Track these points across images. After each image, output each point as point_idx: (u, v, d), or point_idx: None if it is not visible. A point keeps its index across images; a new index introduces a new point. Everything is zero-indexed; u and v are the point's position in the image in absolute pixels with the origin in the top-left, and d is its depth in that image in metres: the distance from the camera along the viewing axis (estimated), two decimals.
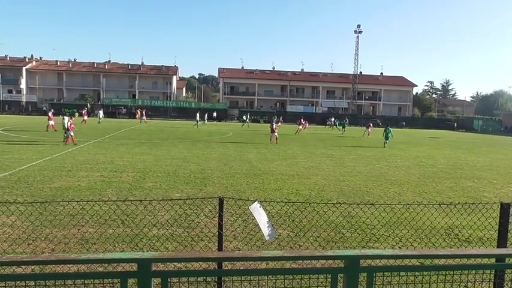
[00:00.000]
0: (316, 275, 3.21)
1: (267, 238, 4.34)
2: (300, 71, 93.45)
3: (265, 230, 4.24)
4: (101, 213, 7.48)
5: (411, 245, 7.14)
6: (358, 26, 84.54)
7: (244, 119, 61.00)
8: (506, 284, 3.36)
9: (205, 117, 57.19)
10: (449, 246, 7.21)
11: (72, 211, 7.65)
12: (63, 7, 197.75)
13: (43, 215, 7.57)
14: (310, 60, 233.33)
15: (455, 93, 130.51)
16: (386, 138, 29.40)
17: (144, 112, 57.00)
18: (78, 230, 7.00)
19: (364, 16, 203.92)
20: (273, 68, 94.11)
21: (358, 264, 2.82)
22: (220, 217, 4.78)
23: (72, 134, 22.22)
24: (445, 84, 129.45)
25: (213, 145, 24.98)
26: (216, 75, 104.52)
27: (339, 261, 2.94)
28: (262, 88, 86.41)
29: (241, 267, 4.88)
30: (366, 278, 2.84)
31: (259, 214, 4.30)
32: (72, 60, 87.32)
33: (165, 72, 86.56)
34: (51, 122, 31.69)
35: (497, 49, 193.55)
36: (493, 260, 3.85)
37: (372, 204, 5.41)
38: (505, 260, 3.62)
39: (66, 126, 22.35)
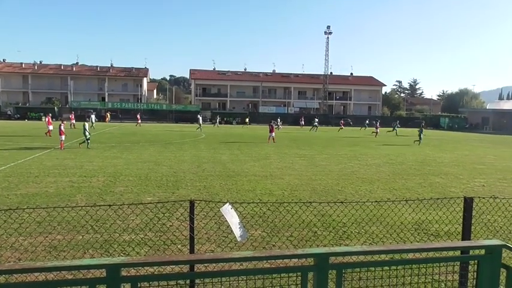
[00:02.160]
0: (287, 274, 3.25)
1: (238, 239, 4.36)
2: (271, 72, 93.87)
3: (237, 231, 4.26)
4: (69, 220, 7.31)
5: (380, 240, 7.31)
6: (328, 27, 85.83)
7: (247, 121, 61.65)
8: (471, 275, 3.50)
9: (217, 120, 59.84)
10: (417, 241, 7.43)
11: (39, 218, 7.43)
12: (27, 8, 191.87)
13: (7, 222, 7.31)
14: (281, 61, 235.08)
15: (422, 92, 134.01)
16: (420, 137, 32.68)
17: (139, 116, 56.73)
18: (46, 237, 6.80)
19: (335, 18, 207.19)
20: (245, 69, 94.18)
21: (328, 262, 2.87)
22: (191, 220, 4.77)
23: (63, 138, 22.35)
24: (412, 84, 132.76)
25: (185, 147, 24.78)
26: (188, 77, 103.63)
27: (310, 259, 2.99)
28: (234, 89, 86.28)
29: (215, 269, 4.87)
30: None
31: (231, 216, 4.31)
32: (38, 62, 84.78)
33: (135, 74, 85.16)
34: (51, 127, 30.96)
35: (462, 49, 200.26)
36: (458, 253, 4.00)
37: (342, 202, 5.52)
38: (469, 252, 3.76)
39: (88, 132, 22.97)
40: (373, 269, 3.42)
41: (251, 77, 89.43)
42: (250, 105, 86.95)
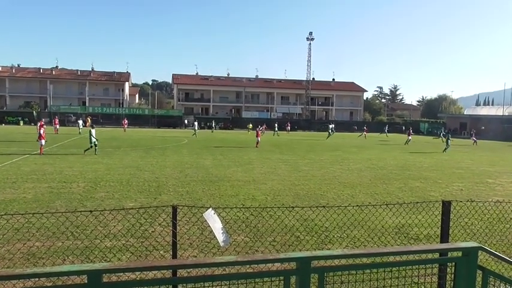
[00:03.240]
0: (270, 278, 3.27)
1: (221, 244, 4.36)
2: (254, 77, 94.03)
3: (220, 236, 4.26)
4: (48, 226, 7.17)
5: (362, 244, 7.38)
6: (310, 33, 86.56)
7: (250, 127, 59.36)
8: (449, 277, 3.59)
9: (213, 126, 61.24)
10: (398, 244, 7.53)
11: (17, 225, 7.26)
12: (3, 8, 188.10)
13: None
14: (264, 66, 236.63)
15: (402, 97, 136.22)
16: (447, 143, 32.86)
17: (125, 121, 56.24)
18: (24, 244, 6.65)
19: (317, 24, 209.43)
20: (228, 75, 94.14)
21: (310, 266, 2.90)
22: (174, 225, 4.75)
23: (43, 143, 22.02)
24: (393, 89, 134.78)
25: (167, 152, 24.61)
26: (170, 82, 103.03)
27: (293, 263, 3.01)
28: (217, 94, 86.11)
29: (198, 274, 4.85)
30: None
31: (214, 221, 4.31)
32: (16, 65, 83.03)
33: (117, 79, 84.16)
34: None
35: (440, 56, 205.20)
36: (437, 255, 4.08)
37: (324, 206, 5.57)
38: (448, 254, 3.84)
39: (94, 139, 22.42)
40: (354, 272, 3.46)
41: (234, 82, 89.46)
42: (233, 110, 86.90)
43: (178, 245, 5.41)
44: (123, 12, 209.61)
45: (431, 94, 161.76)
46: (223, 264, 3.04)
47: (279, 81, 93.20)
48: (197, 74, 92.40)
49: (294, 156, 24.37)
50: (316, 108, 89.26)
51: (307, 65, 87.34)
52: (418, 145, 40.14)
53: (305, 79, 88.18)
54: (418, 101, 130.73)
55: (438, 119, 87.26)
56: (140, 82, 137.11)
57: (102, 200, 10.67)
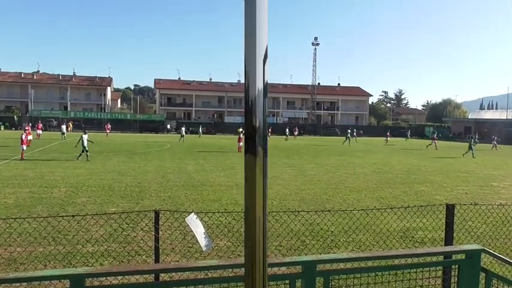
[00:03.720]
0: (276, 282, 3.34)
1: (204, 249, 4.45)
2: (236, 82, 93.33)
3: (202, 241, 4.35)
4: (30, 231, 7.13)
5: (367, 248, 7.51)
6: (315, 38, 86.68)
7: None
8: (453, 279, 3.71)
9: (200, 131, 61.48)
10: (403, 248, 7.66)
11: None
12: None
13: None
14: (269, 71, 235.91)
15: (407, 102, 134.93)
16: (470, 148, 31.34)
17: (108, 125, 56.08)
18: (5, 249, 6.62)
19: (320, 26, 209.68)
20: (210, 79, 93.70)
21: (315, 269, 2.99)
22: (156, 230, 4.83)
23: (24, 148, 21.76)
24: (398, 94, 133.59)
25: (150, 157, 24.48)
26: (152, 86, 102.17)
27: (298, 267, 3.10)
28: (199, 99, 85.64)
29: (180, 278, 4.92)
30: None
31: (196, 225, 4.40)
32: None
33: (99, 83, 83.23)
34: (30, 137, 29.17)
35: (445, 61, 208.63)
36: (441, 258, 4.20)
37: (329, 210, 5.67)
38: (452, 257, 3.96)
39: (86, 145, 21.87)
40: (359, 275, 3.54)
41: (217, 87, 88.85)
42: (215, 115, 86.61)
43: (160, 250, 5.49)
44: (105, 17, 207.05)
45: (436, 98, 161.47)
46: (205, 268, 3.12)
47: (285, 86, 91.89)
48: (179, 78, 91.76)
49: (299, 161, 24.43)
50: (322, 113, 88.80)
51: (313, 69, 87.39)
52: (424, 149, 40.01)
53: (311, 84, 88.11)
54: (422, 106, 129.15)
55: (443, 123, 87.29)
56: (122, 87, 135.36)
57: (84, 205, 10.63)
